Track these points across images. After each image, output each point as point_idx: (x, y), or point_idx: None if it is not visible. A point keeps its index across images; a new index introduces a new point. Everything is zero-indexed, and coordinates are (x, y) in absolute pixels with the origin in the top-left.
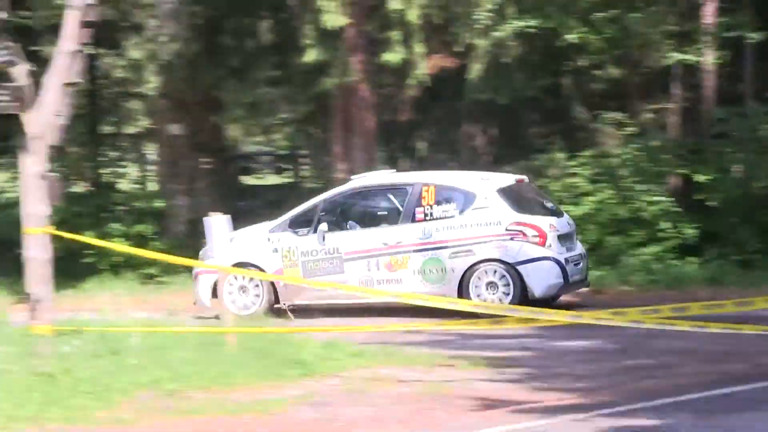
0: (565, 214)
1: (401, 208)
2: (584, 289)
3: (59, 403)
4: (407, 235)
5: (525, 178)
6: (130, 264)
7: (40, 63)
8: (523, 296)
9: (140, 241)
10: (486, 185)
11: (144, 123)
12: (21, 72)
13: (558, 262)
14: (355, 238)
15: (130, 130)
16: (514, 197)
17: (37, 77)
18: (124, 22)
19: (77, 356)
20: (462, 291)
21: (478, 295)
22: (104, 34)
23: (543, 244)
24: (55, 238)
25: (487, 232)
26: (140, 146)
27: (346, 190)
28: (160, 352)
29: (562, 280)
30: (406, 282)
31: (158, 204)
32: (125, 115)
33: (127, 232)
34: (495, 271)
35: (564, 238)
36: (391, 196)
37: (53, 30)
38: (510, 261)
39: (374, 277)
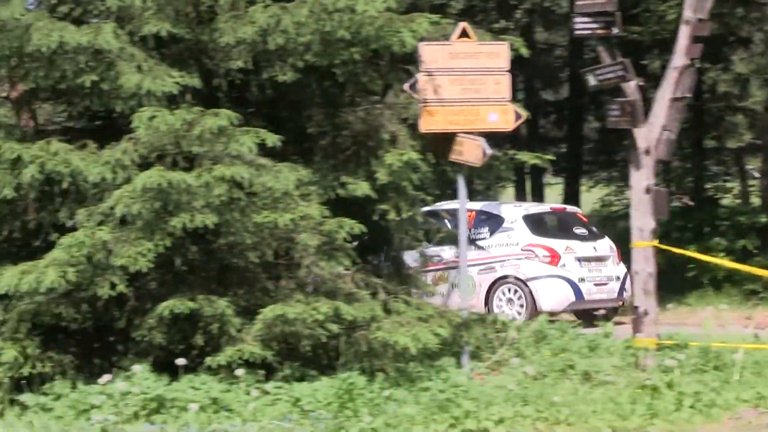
0: (603, 241)
1: None
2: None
3: (663, 417)
4: (448, 254)
5: (568, 207)
6: (732, 279)
7: (646, 77)
8: (535, 309)
9: (743, 256)
10: (515, 211)
11: (747, 137)
12: (631, 87)
13: (568, 280)
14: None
15: (733, 144)
16: (540, 223)
17: (644, 92)
18: (731, 37)
19: (680, 370)
20: (488, 303)
21: (500, 307)
22: (710, 48)
23: (555, 264)
24: (659, 252)
25: (507, 252)
26: (743, 161)
27: None
28: (765, 369)
29: (572, 297)
30: (446, 294)
31: (762, 219)
32: (728, 130)
33: (729, 247)
34: (511, 287)
35: (587, 260)
36: (446, 221)
37: (660, 44)
38: (522, 278)
39: None
